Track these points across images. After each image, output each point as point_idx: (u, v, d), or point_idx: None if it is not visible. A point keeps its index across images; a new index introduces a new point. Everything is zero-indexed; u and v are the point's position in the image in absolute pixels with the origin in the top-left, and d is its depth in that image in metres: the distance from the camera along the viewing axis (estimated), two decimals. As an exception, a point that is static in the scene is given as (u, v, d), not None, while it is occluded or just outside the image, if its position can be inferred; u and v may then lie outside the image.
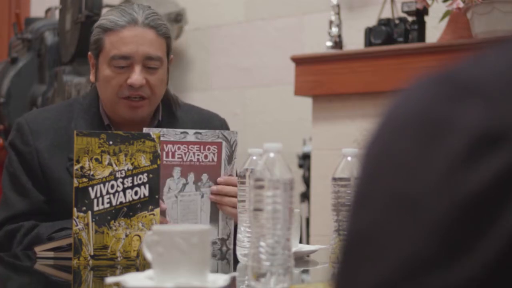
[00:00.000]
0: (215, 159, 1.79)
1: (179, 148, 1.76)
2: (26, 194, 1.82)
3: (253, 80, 4.04)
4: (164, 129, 1.75)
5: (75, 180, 1.58)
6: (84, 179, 1.58)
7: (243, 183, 1.57)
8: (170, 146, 1.75)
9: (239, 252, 1.58)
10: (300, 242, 1.84)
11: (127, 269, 1.52)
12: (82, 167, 1.59)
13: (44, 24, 4.24)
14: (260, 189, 1.22)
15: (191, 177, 1.77)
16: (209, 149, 1.79)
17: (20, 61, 4.19)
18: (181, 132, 1.77)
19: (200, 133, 1.78)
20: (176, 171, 1.76)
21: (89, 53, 1.93)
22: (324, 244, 1.78)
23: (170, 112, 1.97)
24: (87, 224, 1.57)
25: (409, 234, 0.47)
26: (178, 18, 4.08)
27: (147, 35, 1.83)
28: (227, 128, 2.04)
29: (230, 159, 1.81)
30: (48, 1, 4.69)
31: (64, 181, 1.81)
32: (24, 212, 1.81)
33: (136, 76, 1.82)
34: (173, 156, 1.76)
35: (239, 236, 1.58)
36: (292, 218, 1.24)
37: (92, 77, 1.92)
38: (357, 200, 0.52)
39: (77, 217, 1.57)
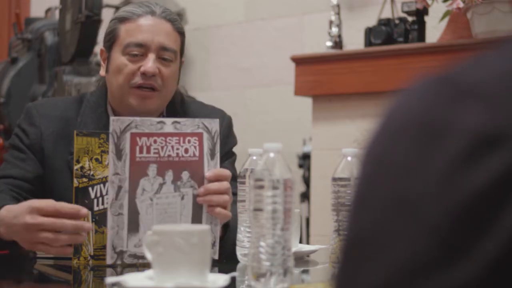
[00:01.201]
0: (197, 153, 1.57)
1: (155, 141, 1.54)
2: (21, 164, 1.81)
3: (253, 80, 4.04)
4: (138, 119, 1.55)
5: (75, 180, 1.58)
6: (84, 179, 1.58)
7: (243, 183, 1.57)
8: (144, 139, 1.53)
9: (239, 252, 1.58)
10: (300, 242, 1.84)
11: (127, 269, 1.52)
12: (82, 167, 1.58)
13: (44, 24, 4.24)
14: (260, 189, 1.22)
15: (169, 175, 1.55)
16: (189, 141, 1.57)
17: (20, 61, 4.19)
18: (158, 122, 1.56)
19: (178, 122, 1.58)
20: (152, 169, 1.54)
21: (101, 48, 1.90)
22: (324, 244, 1.78)
23: (173, 108, 1.92)
24: (87, 224, 1.57)
25: (409, 235, 0.47)
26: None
27: (164, 26, 1.83)
28: (228, 127, 1.97)
29: (213, 153, 1.59)
30: (48, 1, 4.69)
31: (62, 173, 1.80)
32: (11, 175, 1.78)
33: (150, 64, 1.79)
34: (148, 151, 1.54)
35: (239, 236, 1.58)
36: (292, 218, 1.24)
37: (102, 71, 1.89)
38: (357, 201, 0.52)
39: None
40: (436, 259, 0.46)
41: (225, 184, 1.59)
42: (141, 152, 1.53)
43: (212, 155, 1.59)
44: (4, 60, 4.41)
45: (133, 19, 1.83)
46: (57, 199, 1.71)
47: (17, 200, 1.70)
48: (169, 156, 1.55)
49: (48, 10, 4.51)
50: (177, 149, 1.56)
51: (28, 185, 1.78)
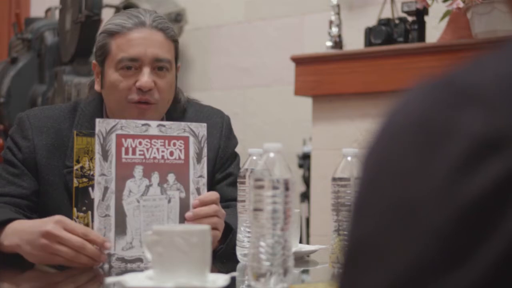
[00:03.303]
0: (182, 157, 1.58)
1: (140, 143, 1.55)
2: (16, 180, 1.77)
3: (253, 80, 4.05)
4: (123, 121, 1.56)
5: (75, 180, 1.58)
6: (84, 179, 1.58)
7: (243, 183, 1.58)
8: (129, 140, 1.54)
9: (239, 252, 1.58)
10: (300, 242, 1.84)
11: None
12: (82, 167, 1.59)
13: (44, 24, 4.25)
14: (260, 189, 1.22)
15: (156, 177, 1.56)
16: (174, 144, 1.58)
17: (20, 61, 4.20)
18: (143, 124, 1.57)
19: (163, 126, 1.58)
20: (138, 171, 1.55)
21: (94, 62, 1.84)
22: (324, 244, 1.78)
23: (171, 114, 1.89)
24: (87, 224, 1.57)
25: (410, 240, 0.47)
26: (178, 18, 4.09)
27: (156, 37, 1.77)
28: (229, 128, 1.97)
29: (199, 157, 1.60)
30: (48, 1, 4.70)
31: (56, 188, 1.76)
32: (8, 194, 1.75)
33: (146, 79, 1.74)
34: (133, 153, 1.54)
35: (239, 236, 1.58)
36: (292, 218, 1.24)
37: (97, 86, 1.83)
38: (357, 207, 0.52)
39: (77, 217, 1.57)
40: (437, 265, 0.46)
41: (213, 208, 1.58)
42: (126, 153, 1.54)
43: (199, 159, 1.59)
44: (4, 60, 4.41)
45: (123, 33, 1.77)
46: (50, 215, 1.68)
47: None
48: (154, 158, 1.56)
49: (48, 10, 4.52)
50: (162, 151, 1.56)
51: (25, 202, 1.75)
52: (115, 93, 1.77)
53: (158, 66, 1.77)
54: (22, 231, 1.55)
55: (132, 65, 1.76)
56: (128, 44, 1.76)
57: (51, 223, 1.50)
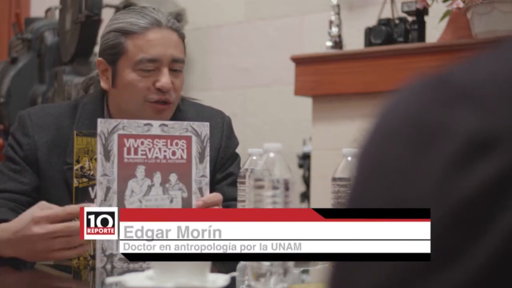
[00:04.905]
0: (185, 156, 1.58)
1: (142, 143, 1.55)
2: (17, 176, 1.77)
3: (253, 80, 4.05)
4: (125, 121, 1.55)
5: (75, 180, 1.58)
6: (84, 179, 1.58)
7: (243, 183, 1.58)
8: (131, 140, 1.54)
9: (239, 252, 1.58)
10: (300, 242, 1.84)
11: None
12: (82, 167, 1.59)
13: (44, 24, 4.25)
14: (260, 189, 1.22)
15: (158, 177, 1.56)
16: (177, 144, 1.58)
17: (20, 61, 4.20)
18: (145, 124, 1.56)
19: (166, 125, 1.58)
20: (140, 171, 1.55)
21: (99, 59, 1.83)
22: (324, 244, 1.78)
23: (174, 113, 1.88)
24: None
25: None
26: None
27: (172, 37, 1.79)
28: (229, 128, 1.97)
29: (202, 156, 1.60)
30: (48, 1, 4.70)
31: (57, 184, 1.76)
32: (8, 190, 1.75)
33: (166, 80, 1.76)
34: (135, 153, 1.54)
35: (239, 236, 1.58)
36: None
37: (105, 84, 1.83)
38: (350, 204, 0.52)
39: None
40: (429, 263, 0.46)
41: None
42: (128, 153, 1.54)
43: (201, 159, 1.60)
44: (4, 60, 4.42)
45: (141, 33, 1.77)
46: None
47: (16, 212, 1.68)
48: (156, 158, 1.56)
49: (48, 10, 4.52)
50: (165, 151, 1.56)
51: (25, 198, 1.75)
52: (133, 92, 1.78)
53: (174, 66, 1.80)
54: (10, 239, 1.52)
55: (152, 66, 1.77)
56: (147, 45, 1.77)
57: (32, 226, 1.48)
